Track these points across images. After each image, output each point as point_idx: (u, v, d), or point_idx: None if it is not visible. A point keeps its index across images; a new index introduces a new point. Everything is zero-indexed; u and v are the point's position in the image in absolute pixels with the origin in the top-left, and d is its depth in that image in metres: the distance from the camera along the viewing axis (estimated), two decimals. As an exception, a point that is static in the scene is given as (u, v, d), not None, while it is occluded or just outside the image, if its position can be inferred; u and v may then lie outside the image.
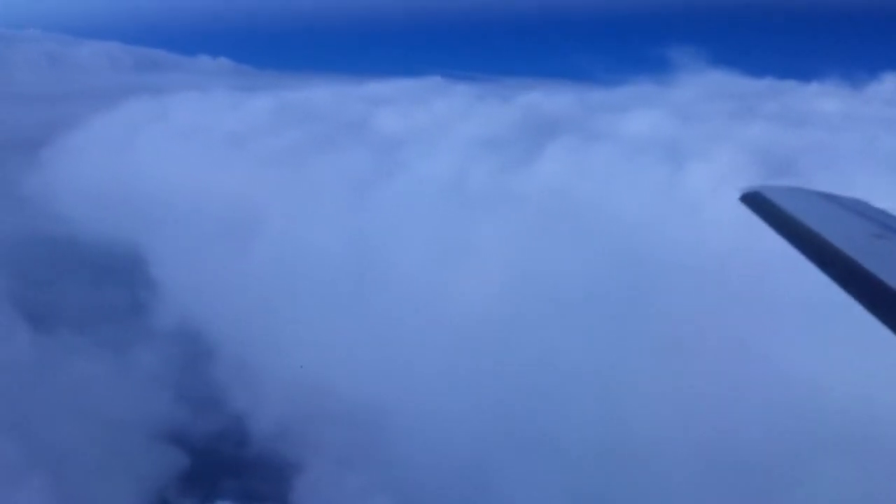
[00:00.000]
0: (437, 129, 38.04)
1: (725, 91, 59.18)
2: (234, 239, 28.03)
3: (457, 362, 22.34)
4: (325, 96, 45.69)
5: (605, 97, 54.64)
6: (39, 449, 24.33)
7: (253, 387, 25.07)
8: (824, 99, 55.64)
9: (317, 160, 32.39)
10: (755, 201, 5.90)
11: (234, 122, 38.04)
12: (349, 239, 25.81)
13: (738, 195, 6.07)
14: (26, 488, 22.52)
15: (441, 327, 22.69)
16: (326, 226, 26.51)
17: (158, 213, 31.56)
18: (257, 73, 72.97)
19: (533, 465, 20.34)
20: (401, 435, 21.68)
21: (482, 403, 21.56)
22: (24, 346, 28.79)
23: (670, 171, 30.66)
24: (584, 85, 69.38)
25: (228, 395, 26.96)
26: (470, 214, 26.37)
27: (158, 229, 31.21)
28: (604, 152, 32.42)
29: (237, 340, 26.08)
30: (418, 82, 57.58)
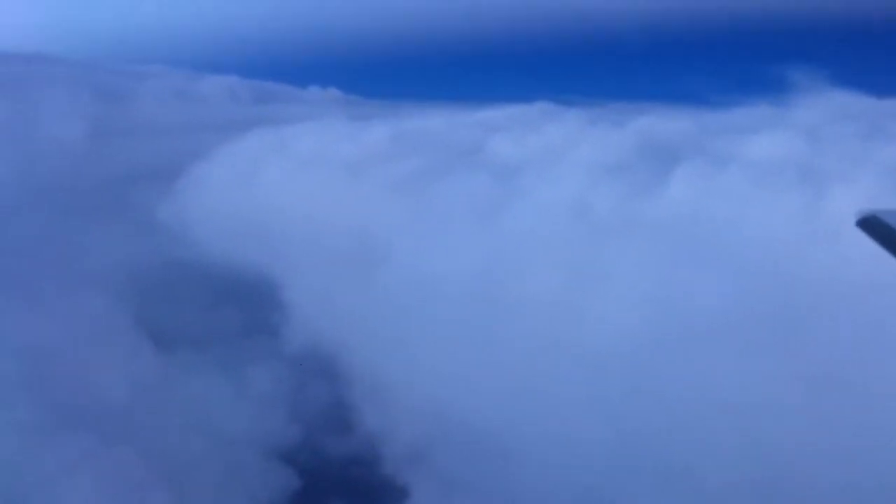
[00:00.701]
0: (554, 154, 37.69)
1: (851, 112, 56.12)
2: (358, 264, 28.46)
3: (588, 390, 21.70)
4: (438, 124, 46.24)
5: (722, 120, 52.96)
6: (160, 462, 25.27)
7: (373, 410, 25.26)
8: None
9: (437, 187, 32.63)
10: (872, 225, 5.59)
11: (353, 151, 38.94)
12: (476, 264, 25.71)
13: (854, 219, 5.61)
14: (148, 499, 23.47)
15: (572, 354, 22.12)
16: (452, 251, 26.52)
17: (283, 239, 32.51)
18: (365, 102, 75.00)
19: (666, 497, 19.46)
20: (528, 462, 21.21)
21: (613, 432, 20.84)
22: (148, 363, 30.16)
23: (806, 194, 29.13)
24: (697, 108, 67.55)
25: (347, 417, 27.30)
26: (599, 240, 25.82)
27: (283, 254, 32.11)
28: (734, 176, 31.20)
29: (360, 364, 26.37)
30: (528, 108, 57.55)
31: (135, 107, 56.12)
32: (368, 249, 28.88)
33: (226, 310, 34.45)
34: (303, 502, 26.34)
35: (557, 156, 37.40)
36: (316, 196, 34.25)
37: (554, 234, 26.89)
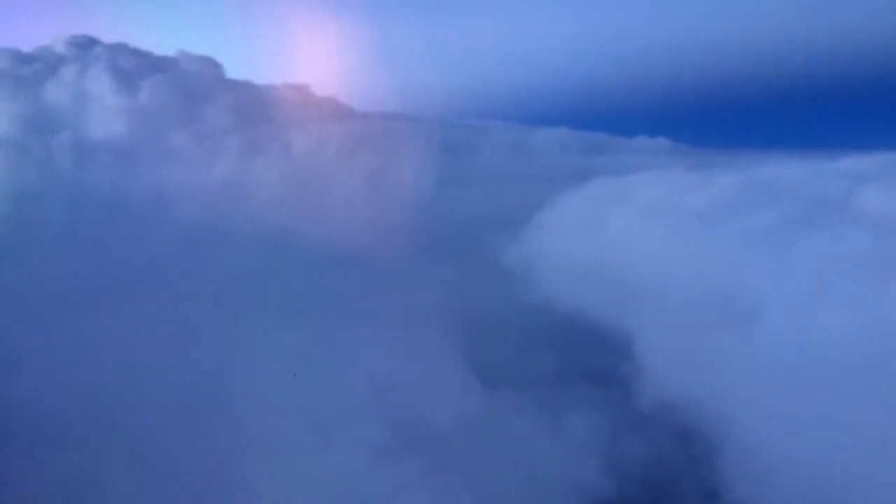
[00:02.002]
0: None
1: None
2: (717, 318, 26.84)
3: None
4: (793, 172, 42.52)
5: None
6: (480, 493, 25.56)
7: (738, 477, 23.29)
8: None
9: (803, 240, 29.77)
10: None
11: (700, 201, 37.31)
12: (865, 328, 22.67)
13: None
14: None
15: None
16: (833, 311, 23.75)
17: (630, 289, 32.03)
18: (695, 150, 72.35)
19: None
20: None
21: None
22: (474, 401, 31.11)
23: None
24: None
25: (672, 477, 25.67)
26: None
27: (629, 304, 31.58)
28: None
29: (718, 424, 24.59)
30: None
31: (477, 158, 60.33)
32: (729, 303, 27.09)
33: (555, 354, 34.68)
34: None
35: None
36: (664, 246, 33.25)
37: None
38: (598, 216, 39.15)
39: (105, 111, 44.46)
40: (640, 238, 35.34)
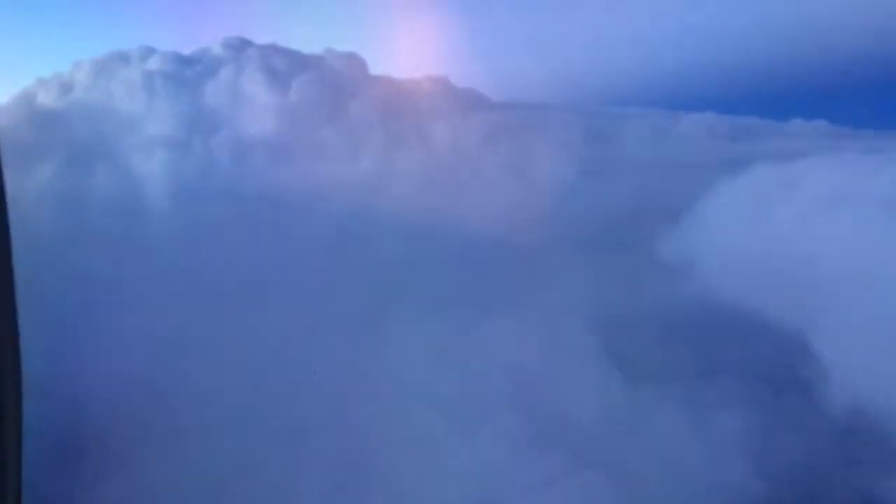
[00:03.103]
0: None
1: None
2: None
3: None
4: None
5: None
6: (624, 491, 24.58)
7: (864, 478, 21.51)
8: None
9: None
10: None
11: (885, 188, 34.11)
12: None
13: None
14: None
15: None
16: None
17: (805, 283, 29.72)
18: (860, 134, 66.68)
19: None
20: None
21: None
22: (617, 395, 30.06)
23: None
24: None
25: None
26: None
27: (803, 299, 29.32)
28: None
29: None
30: None
31: (620, 147, 58.27)
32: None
33: (705, 349, 32.93)
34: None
35: None
36: (848, 237, 30.64)
37: None
38: (765, 205, 36.60)
39: (259, 110, 46.25)
40: (817, 228, 32.74)
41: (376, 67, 52.94)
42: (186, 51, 50.59)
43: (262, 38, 52.17)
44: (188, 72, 47.90)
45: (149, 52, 49.51)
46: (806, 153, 45.35)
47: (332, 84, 49.07)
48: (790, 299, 29.22)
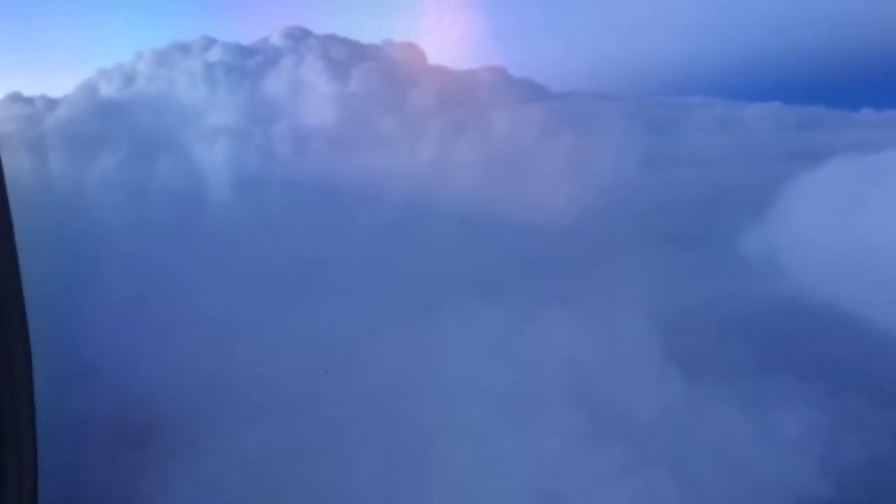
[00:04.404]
0: None
1: None
2: None
3: None
4: None
5: None
6: (686, 489, 23.69)
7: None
8: None
9: None
10: None
11: None
12: None
13: None
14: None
15: None
16: None
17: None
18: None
19: None
20: None
21: None
22: (676, 392, 29.02)
23: None
24: None
25: None
26: None
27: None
28: None
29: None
30: None
31: (684, 137, 56.61)
32: None
33: (769, 344, 31.56)
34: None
35: None
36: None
37: None
38: (851, 198, 34.83)
39: (319, 100, 46.24)
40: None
41: (434, 58, 52.42)
42: (246, 41, 50.86)
43: (321, 28, 52.18)
44: (249, 62, 48.15)
45: (210, 42, 49.92)
46: (885, 144, 43.12)
47: (391, 74, 48.77)
48: (885, 296, 27.84)
